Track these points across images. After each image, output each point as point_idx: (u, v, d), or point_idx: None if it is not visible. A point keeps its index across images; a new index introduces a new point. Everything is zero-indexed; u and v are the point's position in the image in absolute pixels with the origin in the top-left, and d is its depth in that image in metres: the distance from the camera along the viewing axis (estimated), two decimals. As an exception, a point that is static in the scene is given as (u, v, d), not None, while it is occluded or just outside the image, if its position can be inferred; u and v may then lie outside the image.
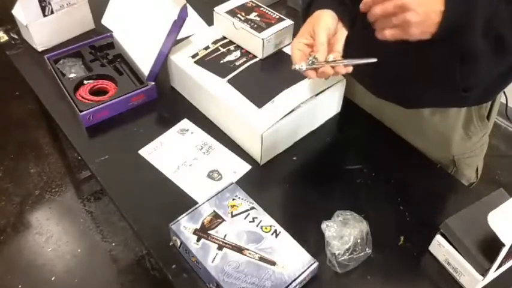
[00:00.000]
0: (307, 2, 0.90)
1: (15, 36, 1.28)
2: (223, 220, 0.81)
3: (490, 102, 0.97)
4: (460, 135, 1.00)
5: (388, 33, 0.70)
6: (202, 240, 0.78)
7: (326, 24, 0.80)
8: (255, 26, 1.03)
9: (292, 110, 0.93)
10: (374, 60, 0.76)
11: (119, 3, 1.26)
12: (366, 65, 0.78)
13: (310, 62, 0.78)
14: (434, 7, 0.68)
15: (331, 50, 0.81)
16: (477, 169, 1.08)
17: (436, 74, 0.87)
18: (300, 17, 0.93)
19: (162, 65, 1.06)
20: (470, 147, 1.02)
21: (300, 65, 0.79)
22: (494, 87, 0.93)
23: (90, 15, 1.29)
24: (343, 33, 0.83)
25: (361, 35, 0.79)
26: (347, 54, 0.82)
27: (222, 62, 1.03)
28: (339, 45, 0.82)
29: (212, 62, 1.04)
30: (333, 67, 0.78)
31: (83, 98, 1.07)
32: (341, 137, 1.05)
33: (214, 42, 1.09)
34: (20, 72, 1.19)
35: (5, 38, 1.28)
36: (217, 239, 0.78)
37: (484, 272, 0.74)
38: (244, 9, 1.08)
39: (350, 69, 0.79)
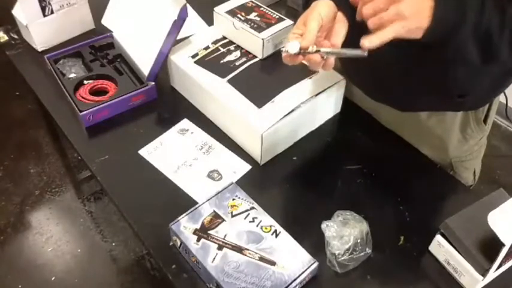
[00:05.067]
0: None
1: (15, 36, 1.28)
2: (223, 220, 0.81)
3: (487, 106, 0.97)
4: (457, 138, 0.99)
5: (382, 33, 0.67)
6: (202, 240, 0.78)
7: (318, 12, 0.76)
8: (255, 26, 1.03)
9: (292, 110, 0.93)
10: (364, 54, 0.72)
11: (119, 3, 1.26)
12: (356, 60, 0.75)
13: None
14: (425, 2, 0.67)
15: (328, 39, 0.77)
16: (475, 172, 1.08)
17: (430, 80, 0.87)
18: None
19: (162, 65, 1.06)
20: (467, 150, 1.02)
21: (282, 47, 0.75)
22: (490, 92, 0.93)
23: (90, 15, 1.29)
24: (342, 26, 0.79)
25: (356, 36, 0.78)
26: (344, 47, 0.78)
27: (222, 62, 1.03)
28: (337, 38, 0.78)
29: (212, 62, 1.04)
30: (322, 57, 0.75)
31: (83, 98, 1.07)
32: (341, 137, 1.05)
33: (214, 42, 1.09)
34: (20, 72, 1.19)
35: (5, 38, 1.28)
36: (217, 239, 0.78)
37: (484, 272, 0.74)
38: (244, 9, 1.08)
39: (332, 62, 0.76)
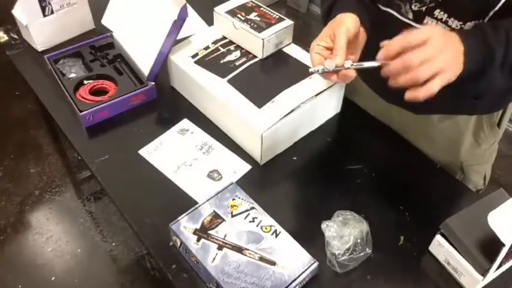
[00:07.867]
0: (328, 5, 0.88)
1: (15, 36, 1.28)
2: (223, 220, 0.81)
3: (501, 110, 0.96)
4: (469, 142, 0.98)
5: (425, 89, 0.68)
6: (202, 240, 0.78)
7: (347, 27, 0.77)
8: (255, 26, 1.03)
9: (292, 110, 0.93)
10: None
11: (119, 3, 1.26)
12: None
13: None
14: (458, 51, 0.69)
15: (351, 54, 0.79)
16: (485, 176, 1.06)
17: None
18: (318, 19, 0.92)
19: (162, 65, 1.06)
20: (479, 154, 1.01)
21: (316, 68, 0.77)
22: (506, 96, 0.92)
23: (90, 15, 1.29)
24: (363, 38, 0.81)
25: (372, 41, 0.78)
26: (361, 59, 0.80)
27: (222, 62, 1.03)
28: (358, 53, 0.81)
29: (212, 62, 1.04)
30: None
31: (83, 98, 1.07)
32: (341, 137, 1.05)
33: (214, 42, 1.09)
34: (20, 72, 1.19)
35: (5, 38, 1.28)
36: (217, 239, 0.78)
37: (484, 272, 0.74)
38: (244, 9, 1.08)
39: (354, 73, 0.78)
